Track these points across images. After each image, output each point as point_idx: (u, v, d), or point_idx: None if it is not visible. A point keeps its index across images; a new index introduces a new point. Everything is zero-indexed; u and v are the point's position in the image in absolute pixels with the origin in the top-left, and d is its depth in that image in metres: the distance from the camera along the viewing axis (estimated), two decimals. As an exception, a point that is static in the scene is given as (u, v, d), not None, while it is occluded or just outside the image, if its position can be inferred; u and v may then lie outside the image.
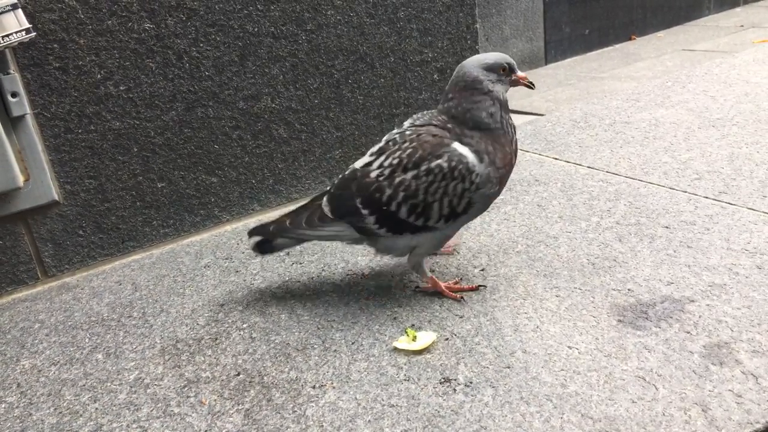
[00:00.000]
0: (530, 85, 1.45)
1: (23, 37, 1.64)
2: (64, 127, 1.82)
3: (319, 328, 1.45)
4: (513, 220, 1.82)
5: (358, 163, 1.48)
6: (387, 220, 1.41)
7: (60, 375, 1.43)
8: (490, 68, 1.38)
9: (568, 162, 2.20)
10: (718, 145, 2.12)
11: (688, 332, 1.26)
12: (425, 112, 1.49)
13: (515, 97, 3.21)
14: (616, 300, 1.39)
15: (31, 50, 1.73)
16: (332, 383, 1.26)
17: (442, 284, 1.50)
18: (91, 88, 1.83)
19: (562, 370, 1.21)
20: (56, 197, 1.85)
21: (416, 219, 1.40)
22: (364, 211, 1.42)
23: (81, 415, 1.28)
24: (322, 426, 1.16)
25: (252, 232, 1.58)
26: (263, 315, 1.54)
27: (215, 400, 1.27)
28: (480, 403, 1.15)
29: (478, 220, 1.85)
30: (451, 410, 1.15)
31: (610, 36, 4.99)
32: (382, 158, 1.42)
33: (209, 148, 2.04)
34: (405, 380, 1.24)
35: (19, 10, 1.63)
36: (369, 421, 1.15)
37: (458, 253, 1.69)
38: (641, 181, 1.96)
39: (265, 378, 1.31)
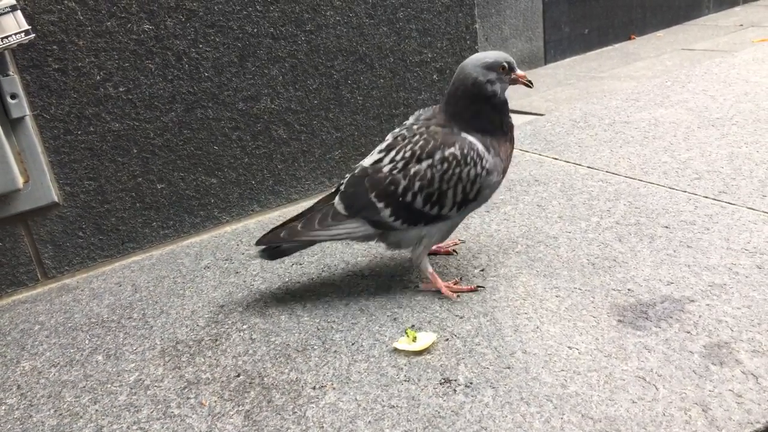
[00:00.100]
0: (528, 84, 1.49)
1: (22, 38, 1.63)
2: (63, 128, 1.82)
3: (319, 329, 1.45)
4: (513, 220, 1.82)
5: (367, 161, 1.51)
6: (402, 212, 1.45)
7: (60, 377, 1.43)
8: (489, 67, 1.41)
9: (567, 162, 2.20)
10: (717, 145, 2.12)
11: (688, 332, 1.26)
12: (428, 108, 1.54)
13: (514, 97, 3.21)
14: (616, 300, 1.39)
15: (31, 52, 1.73)
16: (332, 384, 1.26)
17: (443, 284, 1.51)
18: (90, 90, 1.83)
19: (563, 370, 1.21)
20: (56, 199, 1.85)
21: (431, 208, 1.43)
22: (379, 205, 1.45)
23: (81, 417, 1.28)
24: (323, 427, 1.16)
25: (262, 242, 1.57)
26: (263, 316, 1.54)
27: (215, 401, 1.27)
28: (480, 403, 1.15)
29: (478, 220, 1.85)
30: (452, 411, 1.15)
31: (610, 35, 5.00)
32: (393, 153, 1.46)
33: (209, 149, 2.04)
34: (405, 381, 1.24)
35: (19, 12, 1.63)
36: (369, 422, 1.15)
37: (457, 253, 1.69)
38: (641, 180, 1.96)
39: (265, 379, 1.31)
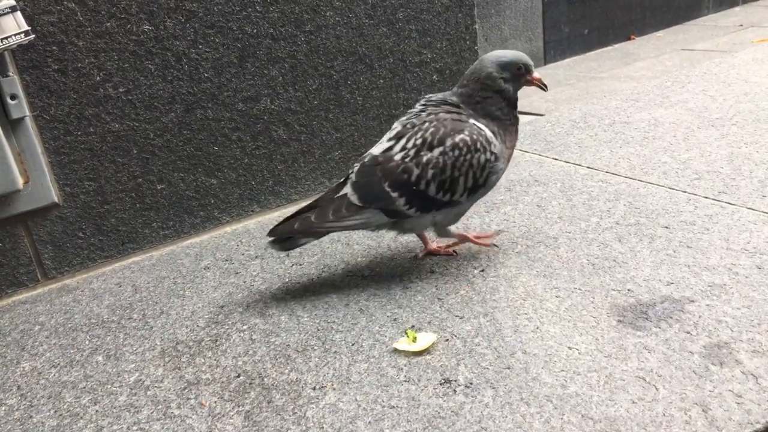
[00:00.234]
0: (543, 87, 1.55)
1: (22, 39, 1.64)
2: (63, 129, 1.82)
3: (319, 330, 1.45)
4: (513, 221, 1.82)
5: (376, 150, 1.53)
6: (417, 200, 1.48)
7: (60, 377, 1.43)
8: (505, 66, 1.48)
9: (567, 162, 2.20)
10: (717, 145, 2.13)
11: (688, 332, 1.26)
12: (437, 94, 1.57)
13: (514, 97, 3.20)
14: (616, 300, 1.39)
15: (30, 52, 1.73)
16: (332, 385, 1.26)
17: (471, 234, 1.66)
18: (90, 90, 1.83)
19: (563, 370, 1.21)
20: (56, 199, 1.85)
21: (444, 195, 1.48)
22: (394, 194, 1.48)
23: (81, 418, 1.28)
24: (323, 427, 1.16)
25: (274, 232, 1.57)
26: (263, 316, 1.54)
27: (215, 401, 1.27)
28: (480, 404, 1.15)
29: (478, 220, 1.85)
30: (452, 411, 1.15)
31: (610, 36, 4.99)
32: (403, 141, 1.48)
33: (209, 150, 2.04)
34: (405, 381, 1.24)
35: (18, 13, 1.63)
36: (369, 422, 1.15)
37: (457, 254, 1.69)
38: (641, 181, 1.96)
39: (265, 380, 1.31)
